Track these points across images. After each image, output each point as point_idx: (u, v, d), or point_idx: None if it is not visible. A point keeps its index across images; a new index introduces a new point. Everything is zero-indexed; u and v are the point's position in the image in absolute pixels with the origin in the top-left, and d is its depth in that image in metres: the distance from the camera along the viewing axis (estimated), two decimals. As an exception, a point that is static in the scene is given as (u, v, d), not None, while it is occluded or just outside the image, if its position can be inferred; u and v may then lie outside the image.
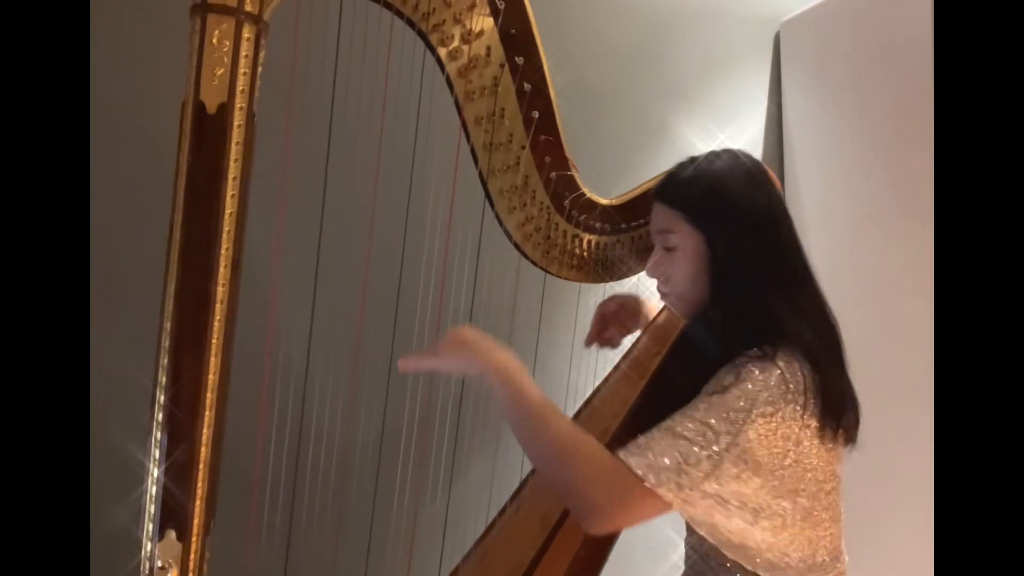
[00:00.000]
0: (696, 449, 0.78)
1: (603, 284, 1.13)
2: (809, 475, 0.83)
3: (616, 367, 1.16)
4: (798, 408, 0.80)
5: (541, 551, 0.94)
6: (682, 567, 1.01)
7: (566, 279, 1.07)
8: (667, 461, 0.78)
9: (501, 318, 1.18)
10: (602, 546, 0.95)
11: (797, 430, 0.81)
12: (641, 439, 0.81)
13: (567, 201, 1.00)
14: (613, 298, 1.16)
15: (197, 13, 0.69)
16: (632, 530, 0.98)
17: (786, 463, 0.81)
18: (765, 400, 0.79)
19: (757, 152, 1.76)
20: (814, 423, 0.82)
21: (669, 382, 1.04)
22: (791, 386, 0.80)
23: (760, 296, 0.86)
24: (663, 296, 0.97)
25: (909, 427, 1.23)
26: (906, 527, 1.33)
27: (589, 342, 1.16)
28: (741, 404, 0.79)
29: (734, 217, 0.88)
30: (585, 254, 1.05)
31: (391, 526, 1.21)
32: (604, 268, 1.07)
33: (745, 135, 1.75)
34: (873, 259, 1.47)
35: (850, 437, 0.87)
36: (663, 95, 1.71)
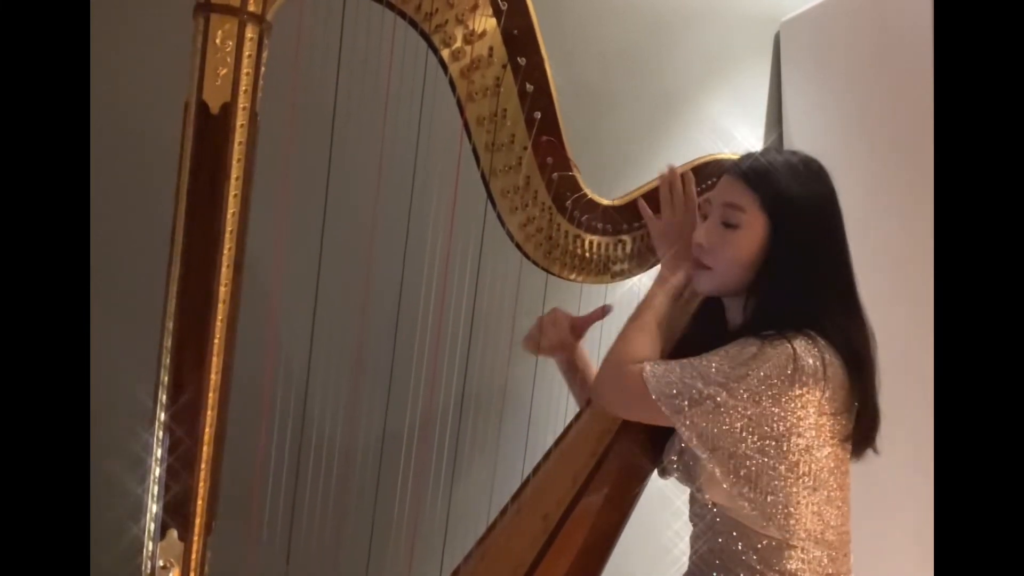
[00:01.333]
0: (705, 378, 0.85)
1: (605, 285, 1.13)
2: (826, 449, 0.86)
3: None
4: (817, 383, 0.83)
5: (542, 552, 0.94)
6: (683, 569, 1.01)
7: (568, 280, 1.07)
8: (675, 376, 0.87)
9: (503, 319, 1.18)
10: (602, 547, 0.96)
11: (816, 406, 0.84)
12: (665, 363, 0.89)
13: (569, 202, 1.00)
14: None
15: (200, 13, 0.69)
16: (633, 532, 0.99)
17: (803, 430, 0.84)
18: (774, 372, 0.83)
19: (756, 153, 1.76)
20: (836, 405, 0.85)
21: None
22: (808, 359, 0.83)
23: (809, 297, 0.88)
24: (699, 265, 0.96)
25: (909, 427, 1.23)
26: (906, 527, 1.34)
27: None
28: (757, 361, 0.83)
29: (807, 215, 0.90)
30: (587, 255, 1.05)
31: (392, 526, 1.21)
32: (606, 269, 1.07)
33: (745, 135, 1.75)
34: (873, 259, 1.47)
35: (862, 444, 0.90)
36: (663, 95, 1.71)
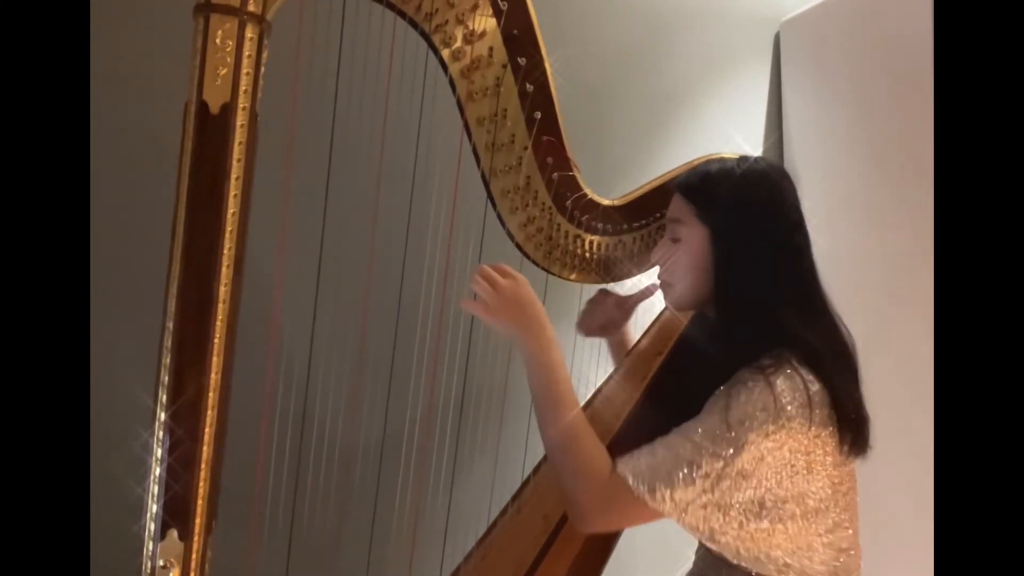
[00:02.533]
0: (694, 468, 0.80)
1: (604, 285, 1.13)
2: (820, 481, 0.84)
3: (617, 368, 1.16)
4: (804, 422, 0.81)
5: (542, 552, 0.94)
6: (687, 569, 1.01)
7: (568, 280, 1.07)
8: (663, 475, 0.81)
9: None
10: (603, 547, 0.96)
11: (806, 442, 0.81)
12: (641, 452, 0.83)
13: (569, 202, 1.00)
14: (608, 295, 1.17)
15: (200, 13, 0.69)
16: (636, 531, 0.98)
17: (794, 472, 0.82)
18: (764, 419, 0.80)
19: (757, 152, 1.76)
20: (825, 432, 0.83)
21: (668, 385, 1.05)
22: (794, 400, 0.81)
23: (763, 301, 0.87)
24: (662, 285, 0.99)
25: (909, 428, 1.23)
26: (906, 528, 1.34)
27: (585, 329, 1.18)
28: (743, 423, 0.80)
29: (744, 220, 0.88)
30: (587, 255, 1.05)
31: (393, 526, 1.21)
32: (605, 269, 1.08)
33: (745, 135, 1.75)
34: (873, 259, 1.48)
35: (859, 449, 0.87)
36: (663, 95, 1.71)
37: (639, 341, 1.17)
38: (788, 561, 0.85)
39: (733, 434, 0.80)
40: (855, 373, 0.89)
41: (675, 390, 1.02)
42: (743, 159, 0.94)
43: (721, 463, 0.80)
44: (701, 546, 0.97)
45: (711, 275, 0.90)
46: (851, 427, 0.85)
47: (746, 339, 0.86)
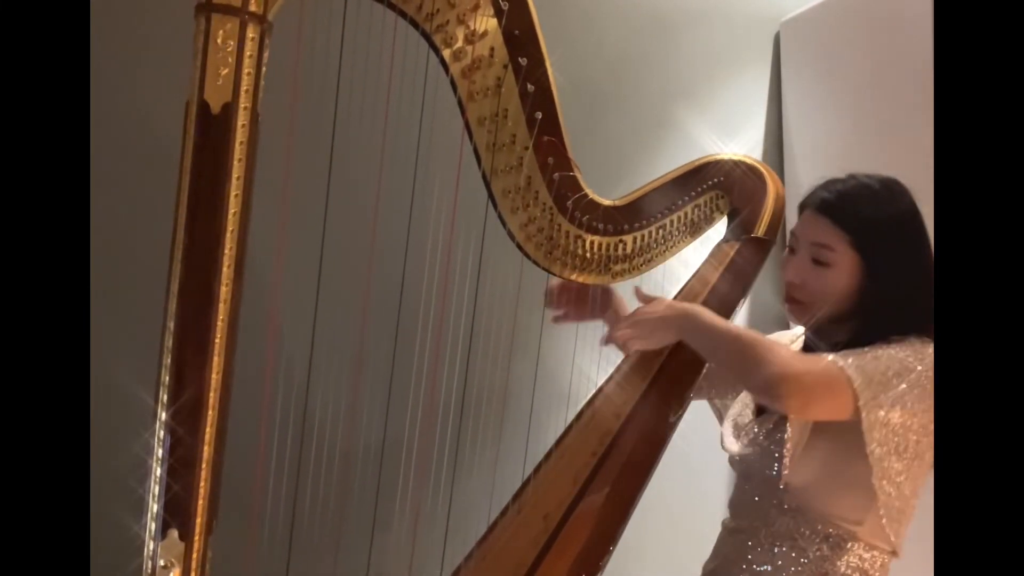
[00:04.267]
0: (897, 363, 0.84)
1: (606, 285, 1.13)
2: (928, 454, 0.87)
3: (618, 368, 1.16)
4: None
5: (542, 552, 0.94)
6: (685, 572, 1.01)
7: (568, 280, 1.07)
8: (870, 370, 0.84)
9: (504, 319, 1.18)
10: (603, 547, 0.96)
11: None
12: (845, 352, 0.87)
13: (570, 202, 1.00)
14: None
15: (201, 13, 0.69)
16: (637, 532, 0.99)
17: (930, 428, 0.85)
18: (928, 366, 0.84)
19: (757, 152, 1.76)
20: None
21: None
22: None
23: (903, 323, 0.90)
24: (791, 301, 0.97)
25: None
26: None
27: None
28: (918, 352, 0.85)
29: (897, 252, 0.90)
30: (588, 255, 1.05)
31: (393, 526, 1.21)
32: (606, 268, 1.08)
33: (745, 135, 1.75)
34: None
35: None
36: (663, 95, 1.71)
37: None
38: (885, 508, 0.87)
39: (916, 356, 0.84)
40: None
41: None
42: (869, 176, 0.95)
43: (917, 372, 0.83)
44: (728, 529, 0.98)
45: (853, 298, 0.92)
46: None
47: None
